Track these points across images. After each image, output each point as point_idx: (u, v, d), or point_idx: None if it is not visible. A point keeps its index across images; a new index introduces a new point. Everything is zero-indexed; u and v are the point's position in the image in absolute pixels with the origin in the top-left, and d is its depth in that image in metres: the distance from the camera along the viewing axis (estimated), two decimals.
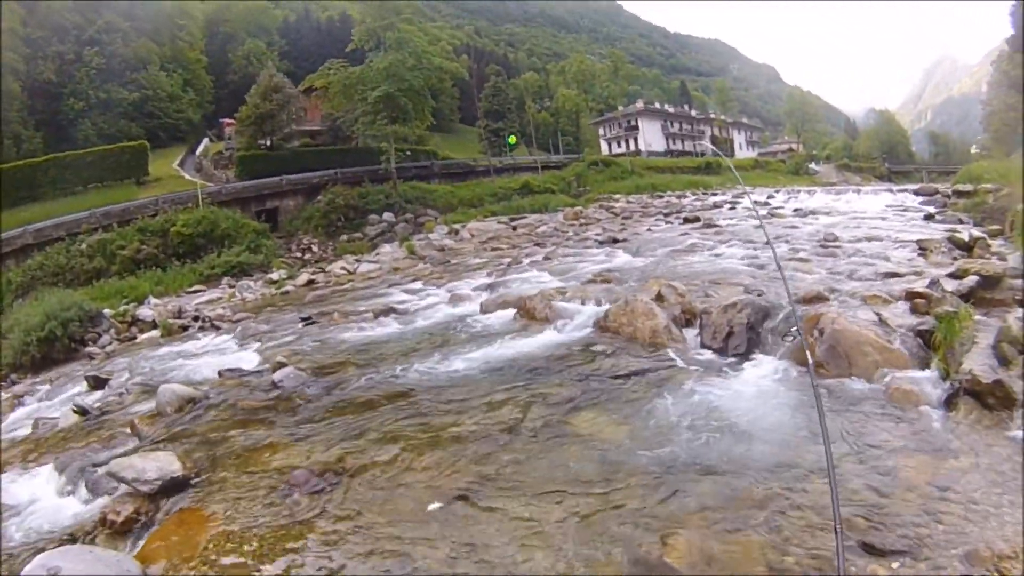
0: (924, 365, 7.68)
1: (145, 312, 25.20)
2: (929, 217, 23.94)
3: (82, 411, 11.36)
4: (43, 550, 5.94)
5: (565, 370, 9.43)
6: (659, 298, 11.33)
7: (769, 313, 9.59)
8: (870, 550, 4.75)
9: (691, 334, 10.22)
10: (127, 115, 73.08)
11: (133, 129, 69.01)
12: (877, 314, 8.93)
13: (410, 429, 8.00)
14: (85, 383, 14.55)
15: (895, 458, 5.87)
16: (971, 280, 10.01)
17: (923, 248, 15.10)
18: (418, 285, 22.87)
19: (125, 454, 8.26)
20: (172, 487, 7.06)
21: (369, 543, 5.63)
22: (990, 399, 6.50)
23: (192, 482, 7.26)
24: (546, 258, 24.93)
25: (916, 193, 37.09)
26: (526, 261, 24.66)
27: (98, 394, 13.48)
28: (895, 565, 4.57)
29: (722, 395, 7.77)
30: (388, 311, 17.12)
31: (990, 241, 15.19)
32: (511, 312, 13.48)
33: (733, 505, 5.49)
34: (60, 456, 9.04)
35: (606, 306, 11.65)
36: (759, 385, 7.98)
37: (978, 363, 6.96)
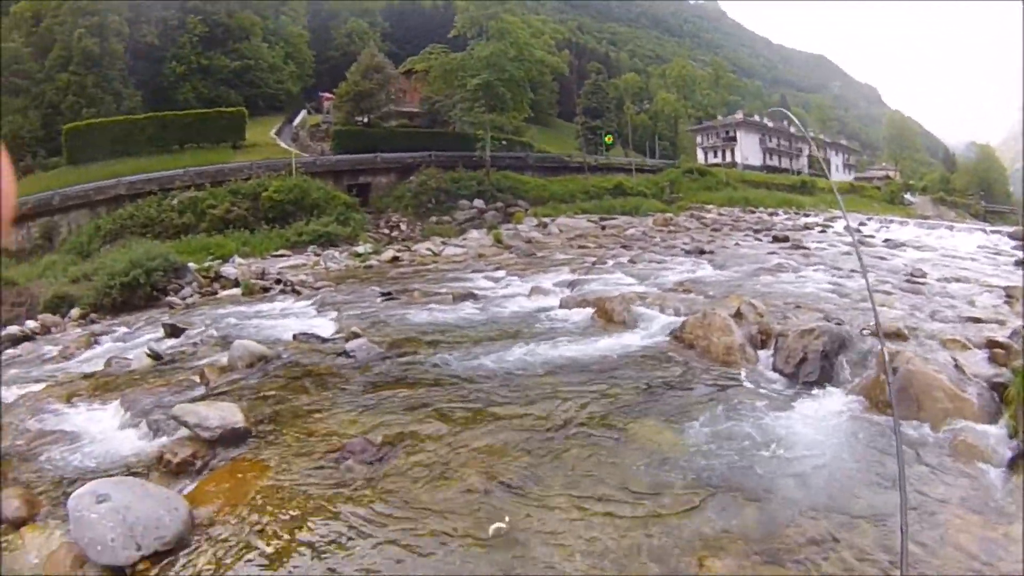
0: (994, 419, 7.23)
1: (229, 270, 25.57)
2: (1021, 263, 22.88)
3: (155, 355, 11.52)
4: (97, 478, 6.06)
5: (633, 376, 9.24)
6: (738, 315, 11.05)
7: (845, 343, 9.18)
8: None
9: (764, 355, 9.84)
10: (227, 82, 74.00)
11: (232, 96, 69.94)
12: (954, 359, 8.49)
13: (471, 414, 7.96)
14: (162, 330, 14.75)
15: (947, 514, 5.60)
16: None
17: (1010, 296, 14.37)
18: (501, 274, 22.80)
19: (191, 400, 8.37)
20: (231, 437, 7.13)
21: (412, 519, 5.61)
22: None
23: (251, 435, 7.33)
24: (631, 261, 24.62)
25: (1011, 236, 35.38)
26: (611, 262, 24.39)
27: (173, 341, 13.68)
28: None
29: (786, 424, 7.51)
30: (468, 296, 17.03)
31: None
32: (589, 311, 13.20)
33: (776, 538, 5.33)
34: (128, 395, 9.18)
35: (683, 316, 11.39)
36: (825, 418, 7.67)
37: None
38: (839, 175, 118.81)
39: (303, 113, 75.01)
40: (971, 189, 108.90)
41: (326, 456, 6.78)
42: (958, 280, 17.31)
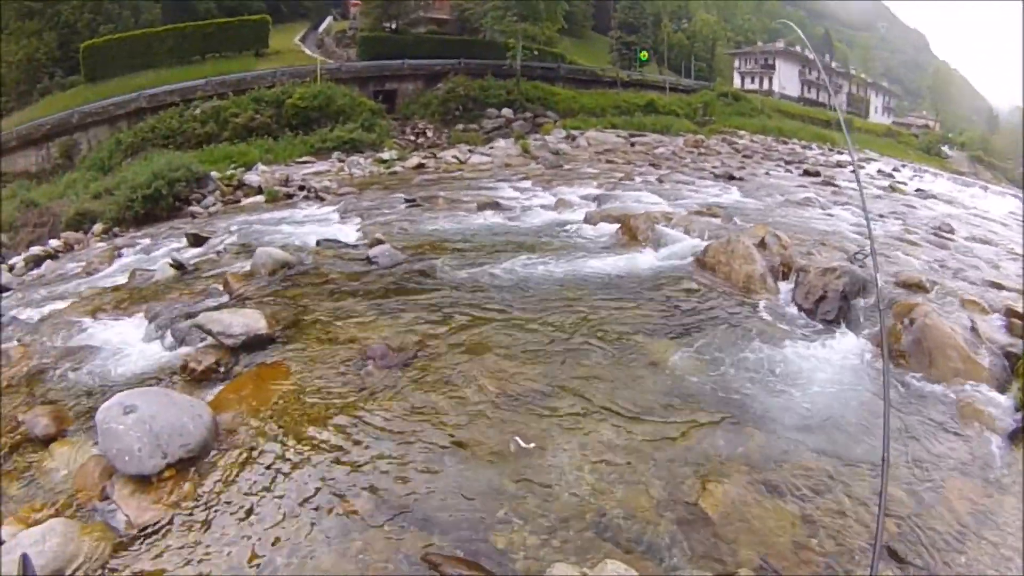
0: (1003, 388, 7.15)
1: (252, 178, 25.55)
2: None
3: (178, 265, 11.55)
4: (123, 389, 6.07)
5: (653, 295, 9.23)
6: (762, 244, 10.86)
7: (866, 287, 9.01)
8: (894, 556, 4.68)
9: (785, 288, 9.69)
10: None
11: (255, 4, 68.91)
12: (971, 321, 8.35)
13: (490, 323, 7.99)
14: (185, 240, 14.85)
15: (945, 475, 5.64)
16: None
17: None
18: (527, 184, 22.73)
19: (214, 308, 8.43)
20: (255, 344, 7.20)
21: (429, 425, 5.70)
22: None
23: (274, 341, 7.39)
24: (659, 180, 24.44)
25: None
26: (638, 179, 24.26)
27: (196, 251, 13.79)
28: None
29: (799, 360, 7.48)
30: (493, 205, 16.94)
31: None
32: (614, 227, 13.08)
33: (779, 470, 5.40)
34: (152, 306, 9.25)
35: (707, 241, 11.20)
36: (838, 359, 7.62)
37: None
38: (878, 116, 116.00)
39: (329, 19, 73.79)
40: (1011, 153, 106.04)
41: (347, 361, 6.84)
42: (985, 242, 16.94)
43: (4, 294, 13.59)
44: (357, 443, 5.39)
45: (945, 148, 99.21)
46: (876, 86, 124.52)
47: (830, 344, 7.94)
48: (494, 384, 6.43)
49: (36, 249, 19.34)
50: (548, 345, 7.39)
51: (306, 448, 5.30)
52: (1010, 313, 8.92)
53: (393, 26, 60.39)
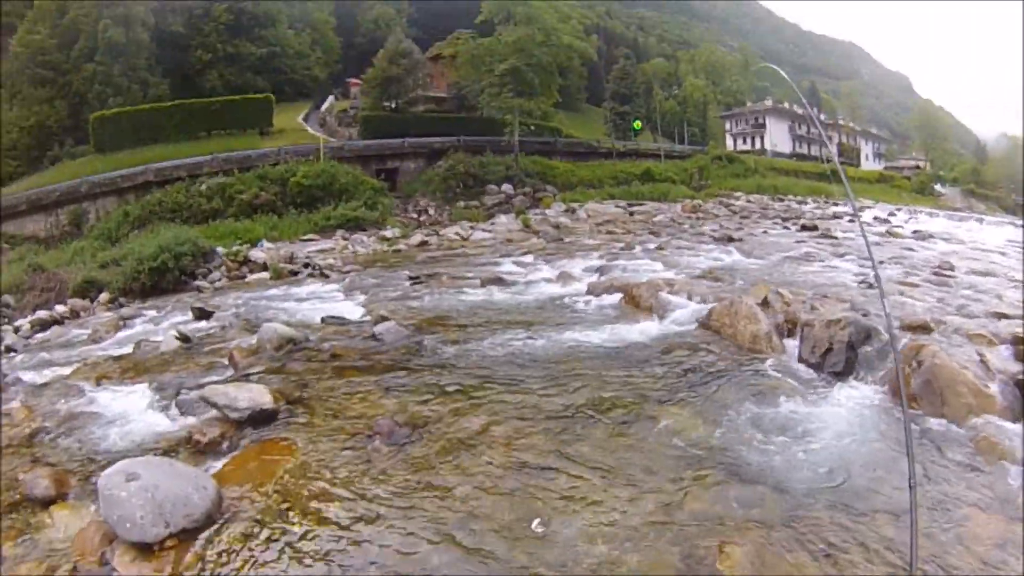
0: (1018, 417, 7.17)
1: (257, 254, 25.56)
2: None
3: (184, 338, 11.55)
4: (126, 457, 6.07)
5: (660, 362, 9.22)
6: (765, 303, 11.03)
7: (871, 335, 9.05)
8: None
9: (791, 344, 9.80)
10: (253, 68, 73.19)
11: (259, 82, 69.33)
12: (979, 354, 8.41)
13: (498, 397, 7.96)
14: (191, 313, 14.83)
15: (967, 511, 5.59)
16: None
17: None
18: (529, 259, 22.77)
19: (220, 382, 8.39)
20: (260, 418, 7.17)
21: (438, 500, 5.64)
22: None
23: (279, 416, 7.36)
24: (659, 248, 24.52)
25: None
26: (638, 248, 24.37)
27: (202, 324, 13.76)
28: None
29: (810, 414, 7.48)
30: (496, 280, 16.94)
31: None
32: (617, 297, 13.19)
33: (798, 527, 5.33)
34: (157, 376, 9.28)
35: (711, 304, 11.31)
36: (849, 409, 7.62)
37: None
38: (869, 164, 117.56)
39: (331, 99, 74.92)
40: (1002, 182, 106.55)
41: (353, 437, 6.80)
42: (986, 274, 17.16)
43: (9, 355, 13.63)
44: (363, 520, 5.32)
45: (937, 187, 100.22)
46: (865, 133, 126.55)
47: (839, 395, 7.97)
48: (502, 458, 6.39)
49: (42, 313, 19.33)
50: (556, 417, 7.35)
51: (311, 524, 5.24)
52: (1017, 341, 8.97)
53: (393, 105, 61.45)
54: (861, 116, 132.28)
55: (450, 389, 8.18)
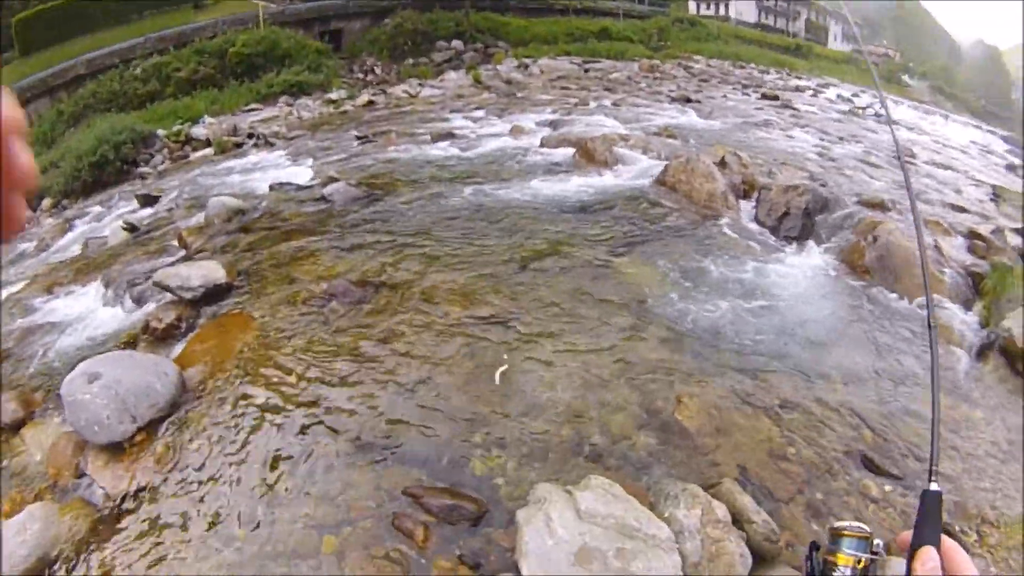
0: (967, 307, 7.52)
1: (199, 131, 24.95)
2: (1011, 167, 22.18)
3: (131, 227, 11.34)
4: (87, 358, 5.88)
5: (615, 216, 9.22)
6: (722, 164, 10.97)
7: (828, 205, 9.29)
8: (869, 464, 4.84)
9: (746, 206, 9.88)
10: None
11: None
12: (935, 241, 8.72)
13: (452, 251, 7.93)
14: (136, 201, 14.49)
15: (914, 388, 5.81)
16: None
17: (997, 195, 14.25)
18: (480, 114, 22.34)
19: (171, 264, 8.21)
20: (215, 294, 7.08)
21: (398, 357, 5.65)
22: (1020, 364, 6.50)
23: (234, 289, 7.28)
24: (614, 104, 24.12)
25: (1005, 140, 35.14)
26: (593, 104, 23.87)
27: (148, 211, 13.48)
28: (887, 487, 4.68)
29: (765, 276, 7.63)
30: (447, 135, 16.69)
31: None
32: (571, 151, 13.04)
33: (751, 386, 5.49)
34: (108, 271, 9.06)
35: (666, 161, 11.19)
36: (804, 275, 7.80)
37: (1018, 325, 6.78)
38: (837, 44, 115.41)
39: None
40: (973, 86, 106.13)
41: (309, 301, 6.75)
42: (947, 167, 17.15)
43: None
44: (327, 383, 5.32)
45: (905, 77, 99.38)
46: (836, 14, 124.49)
47: (795, 260, 8.14)
48: (459, 310, 6.40)
49: None
50: (512, 269, 7.36)
51: (276, 394, 5.22)
52: (973, 235, 9.36)
53: None
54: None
55: (403, 246, 8.12)
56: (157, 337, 6.58)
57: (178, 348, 6.31)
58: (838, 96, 37.60)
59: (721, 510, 4.01)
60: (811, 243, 8.61)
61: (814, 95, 37.57)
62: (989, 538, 4.46)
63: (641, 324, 6.22)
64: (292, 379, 5.36)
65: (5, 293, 9.99)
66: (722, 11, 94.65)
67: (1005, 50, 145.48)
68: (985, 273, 7.93)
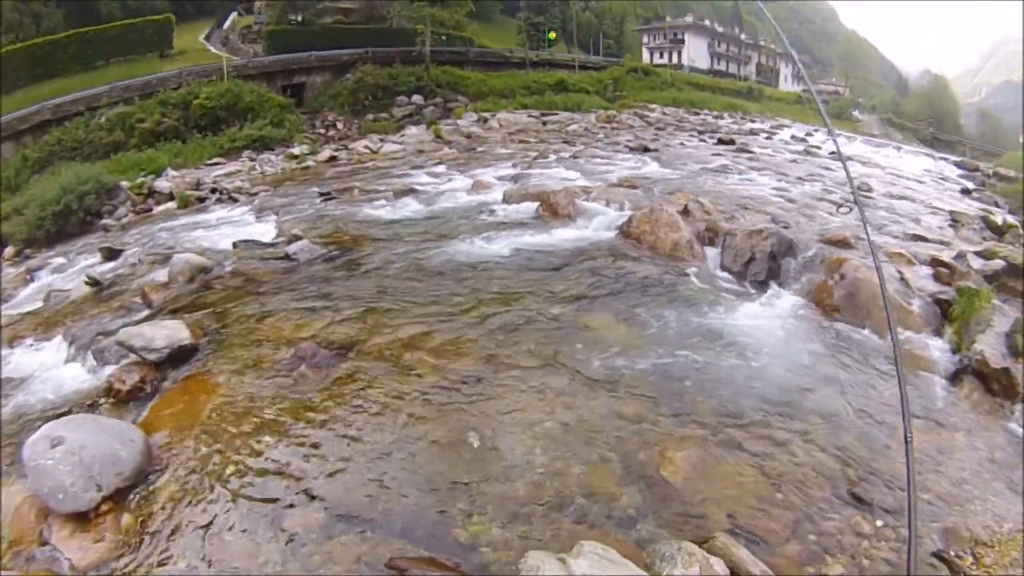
0: (937, 334, 7.69)
1: (162, 184, 24.69)
2: (966, 192, 22.74)
3: (94, 282, 11.21)
4: (49, 419, 5.81)
5: (582, 269, 9.29)
6: (685, 212, 11.06)
7: (792, 247, 9.42)
8: (857, 501, 4.89)
9: (712, 253, 10.02)
10: None
11: (159, 4, 67.21)
12: (900, 272, 8.87)
13: (421, 310, 7.94)
14: (99, 254, 14.29)
15: (894, 418, 5.83)
16: (998, 263, 9.87)
17: (956, 220, 14.59)
18: (441, 169, 22.52)
19: (135, 323, 8.13)
20: (180, 355, 6.99)
21: (372, 423, 5.61)
22: (994, 384, 6.66)
23: (200, 351, 7.19)
24: (574, 156, 24.41)
25: (957, 165, 35.82)
26: (553, 157, 24.13)
27: (111, 264, 13.28)
28: (879, 523, 4.70)
29: (735, 321, 7.70)
30: (409, 191, 16.87)
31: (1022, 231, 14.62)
32: (533, 205, 13.19)
33: (732, 434, 5.52)
34: (71, 327, 8.93)
35: (630, 212, 11.42)
36: (773, 319, 7.87)
37: (989, 346, 7.00)
38: (788, 85, 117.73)
39: (233, 15, 71.86)
40: (921, 115, 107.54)
41: (277, 365, 6.68)
42: (903, 198, 17.46)
43: None
44: (299, 451, 5.26)
45: (856, 112, 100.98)
46: (785, 56, 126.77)
47: (763, 303, 8.24)
48: (432, 371, 6.39)
49: None
50: (482, 327, 7.36)
51: (247, 462, 5.15)
52: (936, 263, 9.43)
53: (299, 18, 59.83)
54: (783, 39, 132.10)
55: (370, 306, 8.13)
56: (120, 399, 6.47)
57: (143, 412, 6.19)
58: (792, 137, 38.80)
59: (719, 565, 4.04)
60: (778, 286, 8.74)
61: (768, 137, 38.46)
62: (985, 558, 4.54)
63: (615, 379, 6.24)
64: (262, 447, 5.29)
65: None
66: (675, 59, 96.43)
67: (951, 78, 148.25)
68: (952, 300, 8.07)
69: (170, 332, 7.15)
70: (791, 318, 7.83)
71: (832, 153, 29.12)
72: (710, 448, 5.28)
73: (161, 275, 10.53)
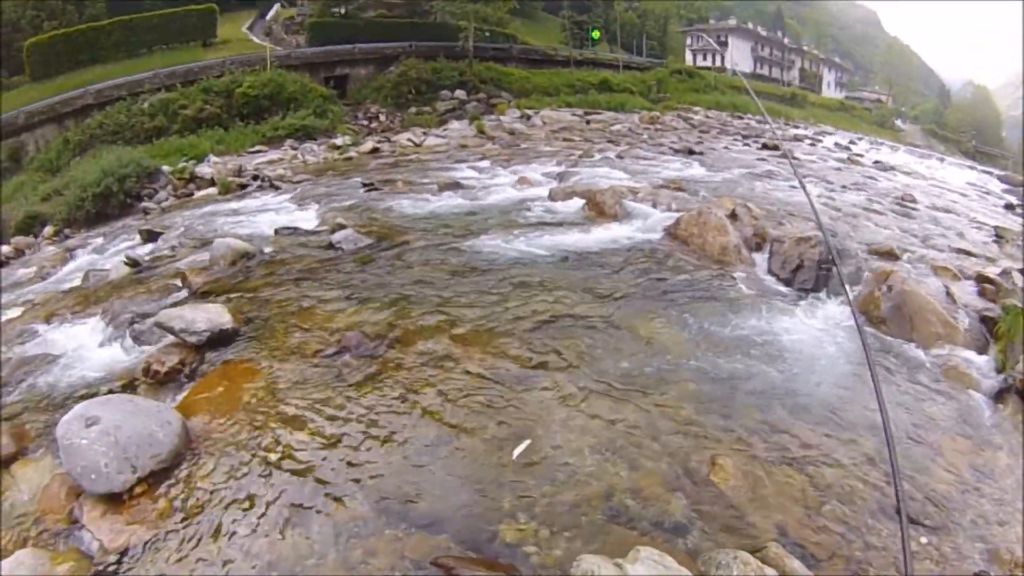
0: (982, 351, 7.42)
1: (204, 169, 24.87)
2: (1010, 207, 22.30)
3: (133, 263, 11.11)
4: (84, 399, 5.69)
5: (628, 270, 9.03)
6: (733, 216, 10.85)
7: (839, 255, 9.07)
8: (907, 519, 4.49)
9: (759, 258, 9.77)
10: None
11: None
12: (946, 287, 8.76)
13: (466, 304, 7.71)
14: (139, 236, 14.30)
15: (939, 435, 5.73)
16: None
17: (1000, 236, 14.27)
18: (485, 164, 22.33)
19: (174, 305, 8.02)
20: (220, 339, 6.81)
21: (417, 415, 5.42)
22: None
23: (241, 336, 7.01)
24: (619, 156, 24.09)
25: (1001, 179, 35.36)
26: (598, 156, 23.87)
27: (151, 247, 13.22)
28: (924, 540, 4.52)
29: (784, 329, 7.46)
30: (454, 185, 16.63)
31: None
32: (579, 203, 12.97)
33: (780, 442, 5.34)
34: (109, 306, 8.76)
35: (677, 213, 11.17)
36: (821, 326, 7.65)
37: None
38: (830, 91, 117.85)
39: (277, 6, 72.16)
40: (963, 127, 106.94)
41: (320, 352, 6.50)
42: (947, 211, 17.16)
43: None
44: (342, 441, 5.06)
45: (898, 122, 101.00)
46: (828, 62, 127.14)
47: (811, 312, 7.94)
48: (478, 366, 6.16)
49: None
50: (528, 323, 7.13)
51: (287, 452, 4.95)
52: (981, 279, 9.28)
53: (342, 11, 59.71)
54: (825, 44, 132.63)
55: (416, 297, 7.91)
56: (158, 381, 6.29)
57: (181, 395, 6.03)
58: (835, 144, 38.51)
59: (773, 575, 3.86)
60: (827, 295, 8.49)
61: (812, 144, 38.14)
62: None
63: (664, 384, 6.01)
64: (304, 436, 5.10)
65: (2, 319, 9.76)
66: (718, 62, 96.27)
67: (994, 88, 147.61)
68: (997, 317, 7.90)
69: (211, 315, 6.96)
70: (838, 328, 7.57)
71: (876, 163, 28.93)
72: (758, 456, 5.10)
73: (202, 258, 10.41)
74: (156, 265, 11.15)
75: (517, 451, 4.98)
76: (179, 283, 9.35)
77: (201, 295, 8.61)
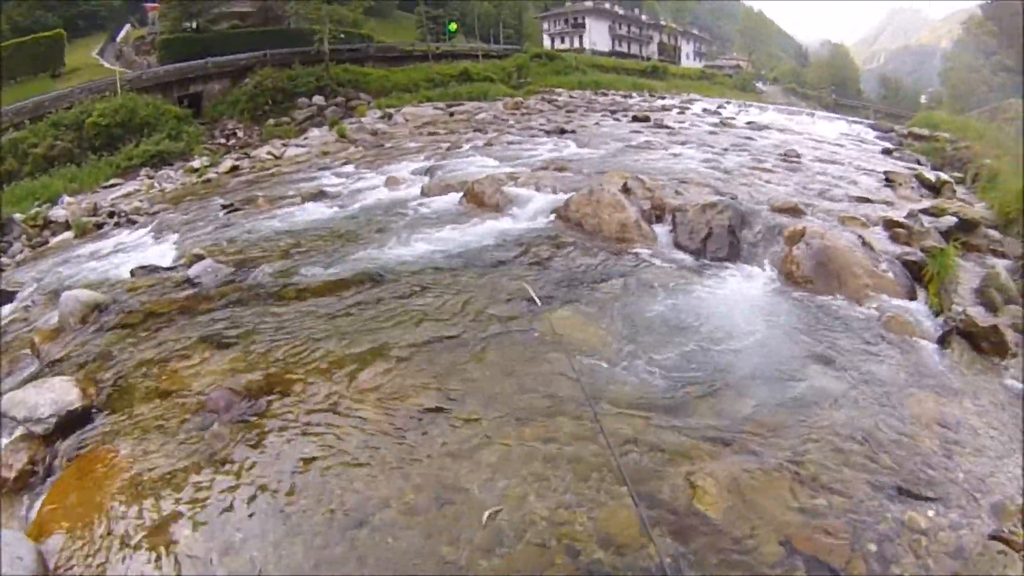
0: (911, 296, 7.67)
1: (58, 212, 23.75)
2: (887, 152, 23.51)
3: None
4: None
5: (525, 264, 8.73)
6: (625, 190, 10.84)
7: (746, 219, 9.22)
8: (906, 495, 4.51)
9: (662, 231, 9.73)
10: (44, 5, 68.12)
11: (50, 19, 64.81)
12: (860, 237, 8.83)
13: (351, 331, 7.07)
14: None
15: (900, 393, 5.69)
16: (950, 220, 10.16)
17: (891, 180, 14.90)
18: (350, 168, 22.10)
19: (19, 385, 7.05)
20: (71, 423, 5.96)
21: (311, 488, 4.70)
22: (983, 343, 6.67)
23: (95, 414, 6.18)
24: (488, 144, 24.27)
25: (872, 127, 37.44)
26: (466, 146, 23.91)
27: (7, 308, 12.16)
28: (930, 513, 4.43)
29: (709, 304, 7.27)
30: (318, 195, 16.34)
31: (955, 187, 15.06)
32: (456, 196, 12.78)
33: (747, 437, 5.01)
34: None
35: (564, 195, 11.11)
36: (746, 297, 7.55)
37: (967, 305, 7.17)
38: (690, 62, 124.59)
39: (127, 27, 70.74)
40: (823, 83, 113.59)
41: (186, 422, 5.69)
42: (833, 162, 17.78)
43: None
44: (225, 537, 4.37)
45: (759, 84, 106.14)
46: (687, 34, 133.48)
47: (732, 282, 7.96)
48: (376, 412, 5.51)
49: None
50: (426, 348, 6.53)
51: (163, 561, 4.26)
52: (890, 224, 9.67)
53: (194, 25, 58.95)
54: (683, 18, 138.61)
55: (290, 332, 7.25)
56: (10, 489, 5.39)
57: (37, 505, 5.16)
58: (703, 110, 40.25)
59: None
60: (742, 261, 8.51)
61: (681, 112, 39.46)
62: None
63: (598, 392, 5.51)
64: (179, 541, 4.39)
65: None
66: (577, 43, 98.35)
67: (850, 45, 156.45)
68: (920, 261, 8.11)
69: (56, 395, 6.12)
70: (765, 295, 7.53)
71: (749, 123, 29.52)
72: (735, 464, 4.69)
73: (52, 317, 9.49)
74: (9, 331, 10.18)
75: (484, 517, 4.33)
76: (29, 352, 8.42)
77: (53, 364, 7.67)
